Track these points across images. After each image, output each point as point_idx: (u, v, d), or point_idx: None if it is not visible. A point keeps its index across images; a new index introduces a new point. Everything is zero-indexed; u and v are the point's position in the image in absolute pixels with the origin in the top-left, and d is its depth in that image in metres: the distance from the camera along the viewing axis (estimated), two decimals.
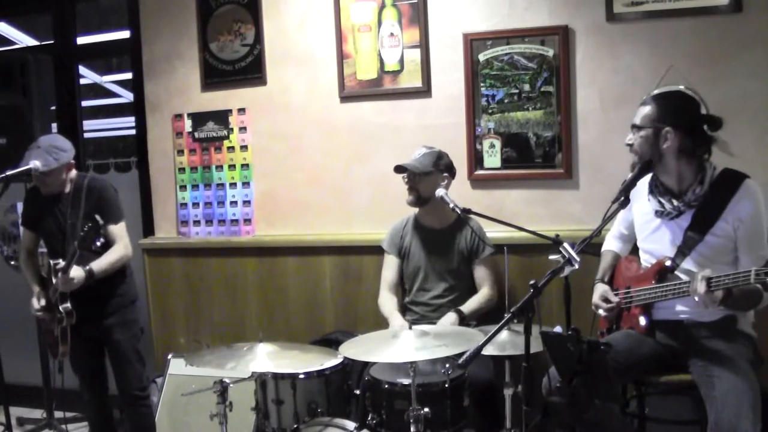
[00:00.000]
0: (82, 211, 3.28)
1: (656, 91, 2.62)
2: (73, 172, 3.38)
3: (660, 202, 2.60)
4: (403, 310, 3.39)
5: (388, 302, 3.36)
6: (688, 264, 2.53)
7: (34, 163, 3.63)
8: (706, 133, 2.52)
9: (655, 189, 2.63)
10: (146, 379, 3.48)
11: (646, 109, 2.56)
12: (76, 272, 3.13)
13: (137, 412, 3.41)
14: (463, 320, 3.15)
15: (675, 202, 2.56)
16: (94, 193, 3.32)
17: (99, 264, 3.24)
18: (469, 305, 3.22)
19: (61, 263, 3.12)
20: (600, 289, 2.78)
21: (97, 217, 3.04)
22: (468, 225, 3.32)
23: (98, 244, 3.06)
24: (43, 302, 3.31)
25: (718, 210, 2.48)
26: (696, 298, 2.32)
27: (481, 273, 3.32)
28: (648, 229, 2.69)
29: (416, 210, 3.42)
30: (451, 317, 3.14)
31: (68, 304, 3.20)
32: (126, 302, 3.41)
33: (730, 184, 2.49)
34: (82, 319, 3.25)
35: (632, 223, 2.82)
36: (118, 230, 3.34)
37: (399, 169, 3.31)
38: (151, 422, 3.48)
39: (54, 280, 3.18)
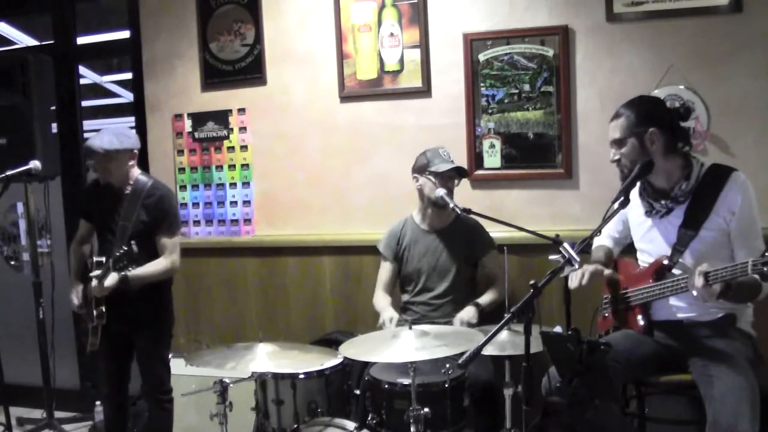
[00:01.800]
0: (135, 215, 3.24)
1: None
2: (137, 172, 3.33)
3: (649, 202, 2.63)
4: (403, 309, 3.40)
5: (381, 299, 3.38)
6: (685, 261, 2.54)
7: (34, 163, 3.64)
8: (681, 126, 2.58)
9: (644, 191, 2.65)
10: (169, 381, 3.47)
11: (621, 121, 2.58)
12: (110, 280, 3.11)
13: (159, 411, 3.41)
14: (482, 312, 3.17)
15: (663, 201, 2.58)
16: (152, 199, 3.27)
17: (137, 272, 3.20)
18: (486, 297, 3.24)
19: (96, 272, 3.11)
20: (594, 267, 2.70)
21: (133, 243, 3.05)
22: (468, 223, 3.32)
23: (130, 270, 3.09)
24: (80, 300, 3.30)
25: (709, 204, 2.49)
26: (694, 293, 2.32)
27: (491, 267, 3.33)
28: (642, 229, 2.71)
29: (414, 211, 3.43)
30: (470, 311, 3.15)
31: (102, 307, 3.18)
32: (161, 310, 3.39)
33: (719, 178, 2.51)
34: (117, 320, 3.23)
35: (626, 225, 2.84)
36: (170, 244, 3.29)
37: (463, 172, 3.30)
38: (170, 421, 3.48)
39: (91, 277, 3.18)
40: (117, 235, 3.24)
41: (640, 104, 2.61)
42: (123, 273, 3.13)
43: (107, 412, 3.53)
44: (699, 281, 2.27)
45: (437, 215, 3.35)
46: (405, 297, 3.43)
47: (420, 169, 3.30)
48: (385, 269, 3.45)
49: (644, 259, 2.72)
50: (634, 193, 2.68)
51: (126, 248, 3.05)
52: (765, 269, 2.11)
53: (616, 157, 2.61)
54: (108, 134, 3.20)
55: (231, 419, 2.81)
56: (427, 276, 3.34)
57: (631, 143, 2.56)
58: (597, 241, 2.98)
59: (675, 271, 2.55)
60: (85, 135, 4.73)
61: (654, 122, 2.53)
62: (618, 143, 2.60)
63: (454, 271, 3.31)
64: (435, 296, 3.32)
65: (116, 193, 3.29)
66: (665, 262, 2.57)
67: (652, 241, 2.66)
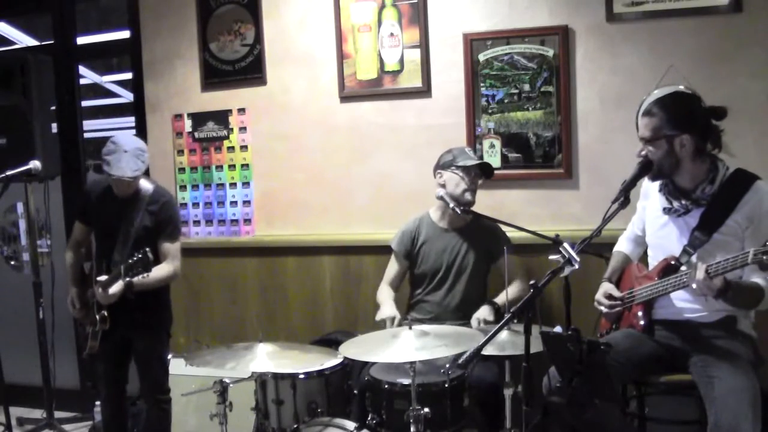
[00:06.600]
0: (139, 221, 3.23)
1: (655, 95, 2.56)
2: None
3: (668, 200, 2.59)
4: (413, 307, 3.38)
5: (384, 292, 3.37)
6: (692, 261, 2.52)
7: (34, 163, 3.64)
8: (715, 127, 2.51)
9: (665, 187, 2.61)
10: (167, 382, 3.47)
11: (654, 120, 2.49)
12: (116, 288, 3.10)
13: (156, 412, 3.41)
14: (498, 311, 3.16)
15: (683, 201, 2.54)
16: (156, 205, 3.27)
17: (142, 279, 3.16)
18: (504, 296, 3.19)
19: (103, 278, 3.10)
20: (604, 287, 2.77)
21: (148, 250, 3.00)
22: (486, 224, 3.29)
23: (141, 277, 3.02)
24: (78, 306, 3.31)
25: (726, 212, 2.46)
26: (694, 285, 2.31)
27: (509, 266, 3.30)
28: (656, 225, 2.68)
29: (429, 210, 3.41)
30: (485, 310, 3.15)
31: (105, 311, 3.18)
32: (160, 311, 3.38)
33: (741, 185, 2.47)
34: (115, 322, 3.22)
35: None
36: (173, 249, 3.29)
37: (488, 172, 3.29)
38: (168, 422, 3.48)
39: (96, 281, 3.16)
40: (119, 239, 3.23)
41: (675, 104, 2.51)
42: (128, 280, 3.10)
43: (105, 414, 3.53)
44: (700, 273, 2.26)
45: (455, 215, 3.31)
46: (417, 295, 3.38)
47: (445, 165, 3.27)
48: (394, 266, 3.43)
49: (654, 255, 2.70)
50: (654, 188, 2.66)
51: (140, 255, 3.00)
52: (765, 258, 2.11)
53: (644, 153, 2.54)
54: (126, 158, 3.10)
55: (231, 419, 2.81)
56: (441, 275, 3.31)
57: (660, 145, 2.49)
58: (617, 245, 2.96)
59: (682, 268, 2.54)
60: (85, 135, 4.74)
61: (687, 127, 2.46)
62: (647, 142, 2.52)
63: (469, 271, 3.28)
64: (449, 295, 3.29)
65: (119, 198, 3.28)
66: (672, 262, 2.56)
67: (663, 239, 2.64)
